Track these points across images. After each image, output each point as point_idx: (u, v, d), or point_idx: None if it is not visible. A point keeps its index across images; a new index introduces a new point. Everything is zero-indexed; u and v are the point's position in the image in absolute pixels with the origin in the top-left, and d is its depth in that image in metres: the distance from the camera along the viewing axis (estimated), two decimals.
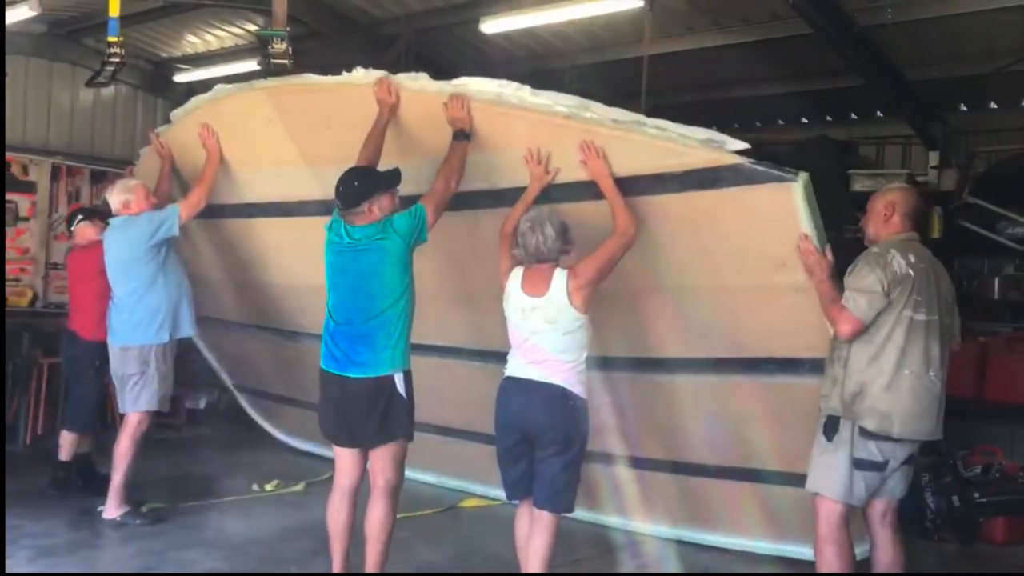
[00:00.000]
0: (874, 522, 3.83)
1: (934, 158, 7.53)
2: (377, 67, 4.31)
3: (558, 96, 3.93)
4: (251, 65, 8.06)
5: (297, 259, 5.47)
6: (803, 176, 3.60)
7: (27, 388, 7.05)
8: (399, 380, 3.86)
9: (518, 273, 3.87)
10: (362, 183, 3.85)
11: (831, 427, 3.68)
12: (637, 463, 4.90)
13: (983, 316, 6.99)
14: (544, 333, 3.74)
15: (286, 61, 5.88)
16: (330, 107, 4.53)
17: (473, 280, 4.63)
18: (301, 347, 6.17)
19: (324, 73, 4.54)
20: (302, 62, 6.08)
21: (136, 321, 5.08)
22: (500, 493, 4.13)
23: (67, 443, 5.60)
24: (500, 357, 4.00)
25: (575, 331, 3.75)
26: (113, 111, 9.50)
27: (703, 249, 3.97)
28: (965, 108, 7.77)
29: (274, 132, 4.78)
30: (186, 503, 5.52)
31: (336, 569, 3.99)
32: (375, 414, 3.83)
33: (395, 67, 4.41)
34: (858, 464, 3.63)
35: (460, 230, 4.34)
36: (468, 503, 5.82)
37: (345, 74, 4.39)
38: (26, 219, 8.50)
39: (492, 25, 7.24)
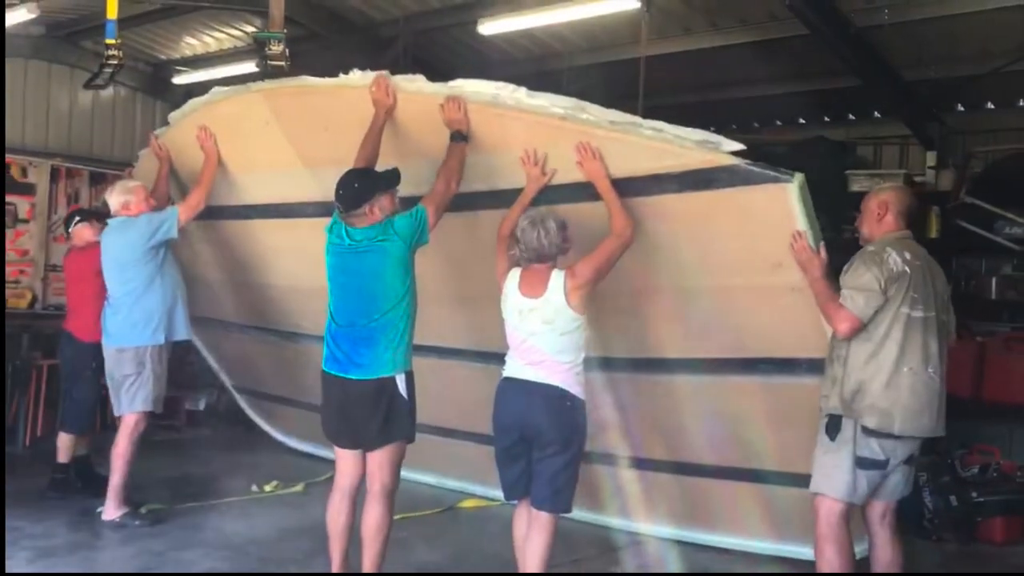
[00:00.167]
0: (873, 522, 3.84)
1: (931, 158, 7.54)
2: (375, 69, 4.31)
3: (554, 98, 3.95)
4: (250, 67, 8.04)
5: (296, 260, 5.49)
6: (798, 177, 3.62)
7: (26, 390, 7.06)
8: (401, 381, 3.87)
9: (515, 274, 3.88)
10: (362, 184, 3.86)
11: (833, 426, 3.68)
12: (636, 463, 4.91)
13: (981, 316, 7.00)
14: (542, 334, 3.76)
15: (283, 63, 5.91)
16: (327, 109, 4.53)
17: (472, 281, 4.64)
18: (300, 348, 6.18)
19: (321, 75, 4.54)
20: (300, 64, 6.10)
21: (132, 322, 5.09)
22: (499, 493, 4.13)
23: (65, 445, 5.61)
24: (499, 358, 4.01)
25: (573, 332, 3.76)
26: (112, 113, 9.52)
27: (700, 249, 3.98)
28: (962, 108, 7.78)
29: (271, 134, 4.79)
30: (186, 504, 5.53)
31: (335, 569, 3.99)
32: (377, 416, 3.84)
33: (393, 69, 4.41)
34: (860, 463, 3.64)
35: (459, 231, 4.35)
36: (467, 503, 5.83)
37: (342, 76, 4.40)
38: (25, 221, 8.52)
39: (490, 26, 7.26)
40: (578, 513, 4.32)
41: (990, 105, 7.71)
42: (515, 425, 3.82)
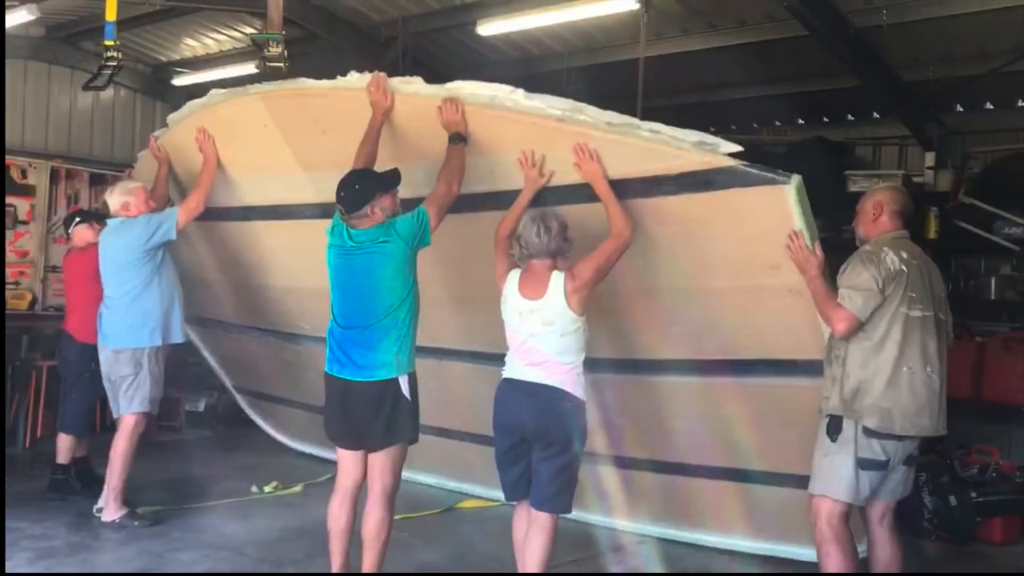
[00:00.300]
0: (872, 522, 3.85)
1: (930, 159, 7.53)
2: (374, 70, 4.31)
3: (552, 99, 3.95)
4: (250, 68, 8.07)
5: (294, 261, 5.50)
6: (796, 178, 3.62)
7: (26, 391, 7.07)
8: (404, 383, 3.87)
9: (515, 276, 3.89)
10: (363, 186, 3.85)
11: (834, 427, 3.69)
12: (635, 464, 4.92)
13: (980, 316, 6.99)
14: (542, 335, 3.76)
15: (282, 64, 5.91)
16: (325, 111, 4.54)
17: (471, 282, 4.65)
18: (300, 349, 6.19)
19: (320, 76, 4.55)
20: (299, 65, 6.11)
21: (129, 323, 5.09)
22: (498, 494, 4.14)
23: (65, 446, 5.62)
24: (499, 359, 4.02)
25: (573, 333, 3.77)
26: (112, 114, 9.54)
27: (697, 251, 3.98)
28: (961, 109, 7.77)
29: (270, 136, 4.80)
30: (185, 505, 5.54)
31: (335, 570, 3.99)
32: (381, 417, 3.84)
33: (392, 70, 4.41)
34: (862, 464, 3.65)
35: (458, 232, 4.36)
36: (466, 504, 5.84)
37: (339, 78, 4.40)
38: (25, 222, 8.53)
39: (489, 27, 7.27)
40: (578, 514, 4.32)
41: (989, 105, 7.70)
42: (515, 426, 3.82)
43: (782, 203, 3.65)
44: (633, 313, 4.38)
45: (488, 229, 4.08)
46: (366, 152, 4.12)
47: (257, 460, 6.91)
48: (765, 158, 4.08)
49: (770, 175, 3.64)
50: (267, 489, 6.04)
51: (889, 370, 3.61)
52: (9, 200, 8.34)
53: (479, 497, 5.85)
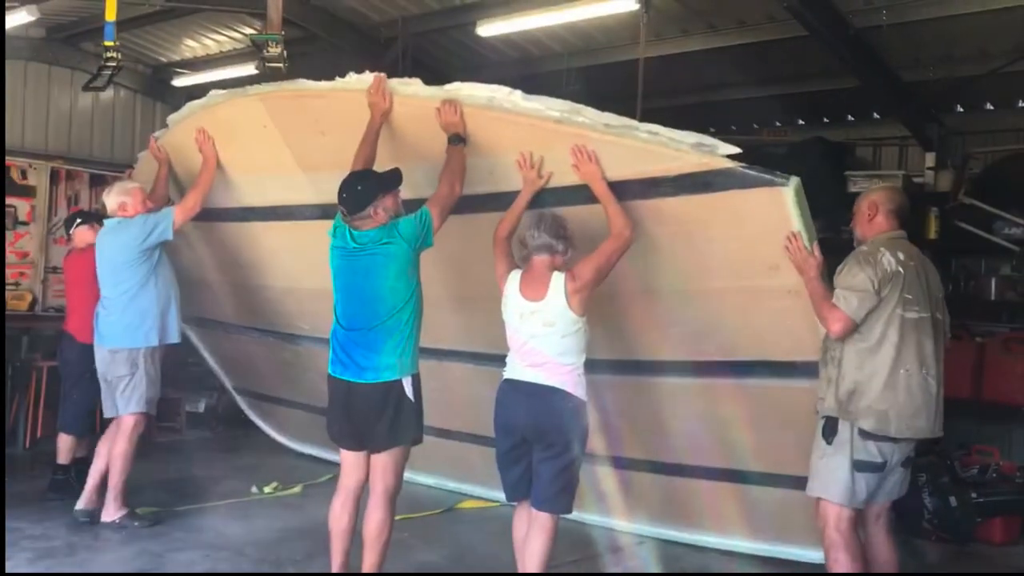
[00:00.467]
0: (868, 522, 3.85)
1: (930, 159, 7.53)
2: (374, 71, 4.31)
3: (550, 101, 3.95)
4: (250, 69, 8.08)
5: (294, 262, 5.50)
6: (794, 180, 3.62)
7: (26, 391, 7.08)
8: (408, 384, 3.87)
9: (516, 277, 3.89)
10: (365, 187, 3.85)
11: (830, 429, 3.69)
12: (634, 464, 4.92)
13: (980, 317, 6.99)
14: (543, 336, 3.77)
15: (281, 64, 5.92)
16: (323, 112, 4.54)
17: (471, 283, 4.65)
18: (300, 349, 6.20)
19: (320, 77, 4.55)
20: (299, 66, 6.11)
21: (125, 323, 5.09)
22: (498, 495, 4.15)
23: (65, 446, 5.63)
24: (499, 360, 4.02)
25: (574, 334, 3.78)
26: (112, 115, 9.54)
27: (696, 252, 3.98)
28: (961, 109, 7.77)
29: (269, 137, 4.80)
30: (185, 505, 5.54)
31: (336, 570, 3.99)
32: (384, 419, 3.84)
33: (392, 71, 4.41)
34: (858, 466, 3.64)
35: (458, 233, 4.36)
36: (466, 504, 5.84)
37: (338, 79, 4.40)
38: (25, 223, 8.53)
39: (488, 28, 7.27)
40: (578, 514, 4.32)
41: (989, 106, 7.70)
42: (516, 427, 3.83)
43: (780, 204, 3.65)
44: (632, 314, 4.38)
45: (488, 230, 4.08)
46: (365, 154, 4.12)
47: (257, 461, 6.92)
48: (765, 159, 4.09)
49: (768, 177, 3.64)
50: (267, 490, 6.05)
51: (886, 372, 3.61)
52: (9, 201, 8.34)
53: (479, 498, 5.86)
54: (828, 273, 3.75)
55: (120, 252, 5.10)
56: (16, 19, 7.41)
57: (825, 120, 8.49)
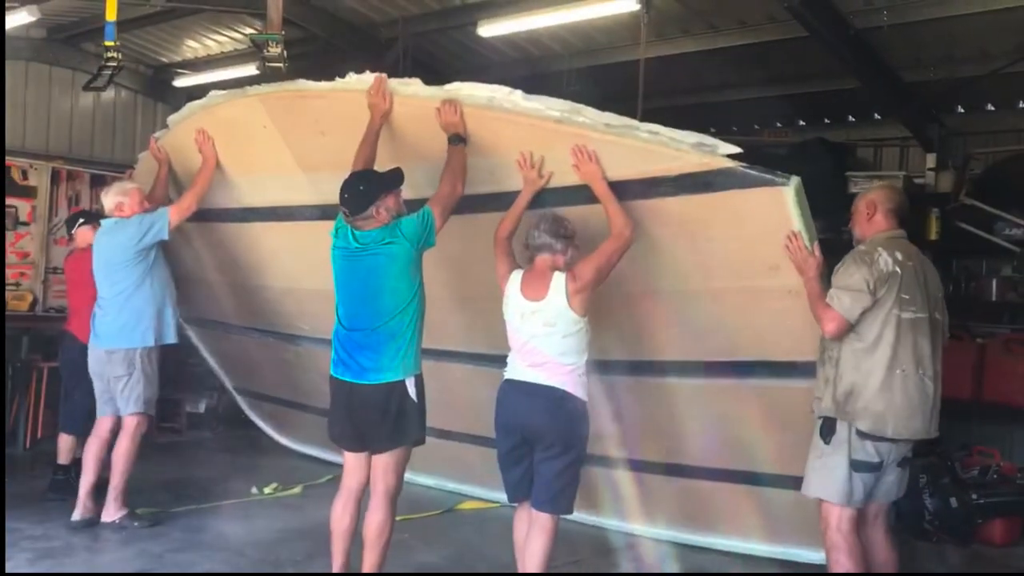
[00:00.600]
0: (866, 523, 3.83)
1: (931, 160, 7.53)
2: (375, 71, 4.31)
3: (550, 101, 3.94)
4: (250, 70, 8.08)
5: (294, 263, 5.50)
6: (795, 180, 3.61)
7: (27, 392, 7.08)
8: (410, 385, 3.86)
9: (517, 277, 3.89)
10: (367, 187, 3.84)
11: (827, 429, 3.68)
12: (633, 465, 4.92)
13: (981, 318, 6.99)
14: (543, 336, 3.77)
15: (281, 64, 5.92)
16: (323, 112, 4.54)
17: (472, 283, 4.65)
18: (300, 350, 6.20)
19: (321, 78, 4.55)
20: (300, 66, 6.11)
21: (121, 324, 5.09)
22: (499, 495, 4.14)
23: (66, 446, 5.63)
24: (500, 360, 4.02)
25: (574, 334, 3.77)
26: (113, 115, 9.55)
27: (696, 252, 3.98)
28: (962, 110, 7.78)
29: (269, 138, 4.80)
30: (185, 506, 5.54)
31: (336, 570, 3.99)
32: (387, 420, 3.83)
33: (392, 71, 4.41)
34: (855, 466, 3.63)
35: (459, 233, 4.36)
36: (467, 505, 5.84)
37: (338, 79, 4.40)
38: (26, 223, 8.53)
39: (489, 28, 7.27)
40: (577, 515, 4.32)
41: (990, 106, 7.71)
42: (517, 427, 3.83)
43: (781, 204, 3.65)
44: (632, 315, 4.38)
45: (488, 230, 4.08)
46: (365, 154, 4.11)
47: (257, 461, 6.91)
48: (766, 159, 4.08)
49: (769, 176, 3.64)
50: (267, 490, 6.05)
51: (882, 373, 3.60)
52: (10, 201, 8.34)
53: (479, 498, 5.86)
54: (828, 273, 3.75)
55: (116, 252, 5.10)
56: (17, 19, 7.42)
57: (826, 121, 8.50)
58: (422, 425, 3.94)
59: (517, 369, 3.86)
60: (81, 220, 5.90)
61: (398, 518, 4.03)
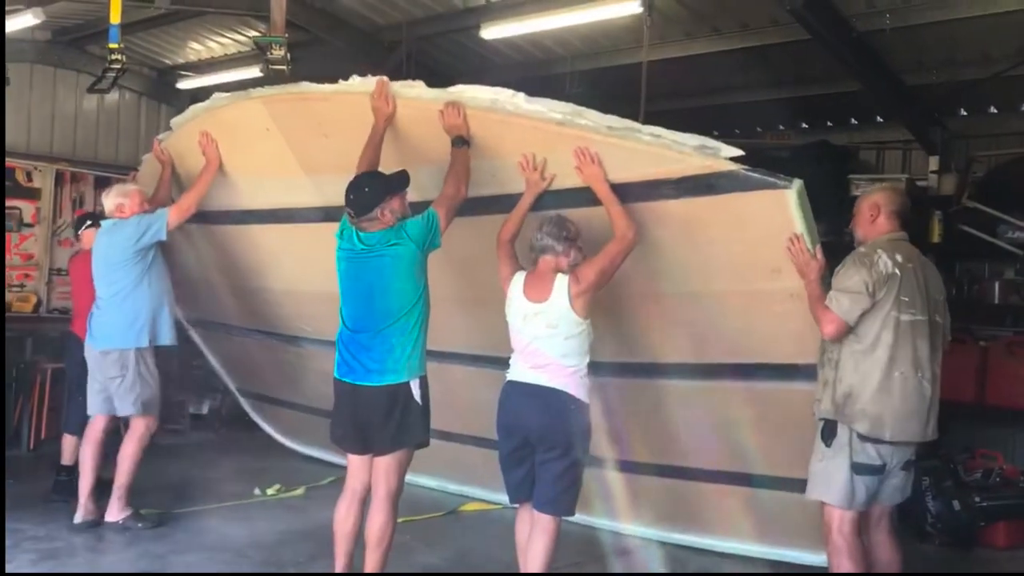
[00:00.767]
0: (870, 525, 3.84)
1: (934, 163, 7.53)
2: (378, 74, 4.32)
3: (552, 103, 3.95)
4: (254, 72, 8.11)
5: (296, 265, 5.51)
6: (797, 183, 3.62)
7: (30, 393, 7.09)
8: (415, 387, 3.87)
9: (520, 278, 3.90)
10: (372, 189, 3.85)
11: (828, 432, 3.68)
12: (633, 467, 4.92)
13: (984, 320, 6.98)
14: (546, 338, 3.78)
15: (284, 67, 5.93)
16: (326, 115, 4.54)
17: (474, 285, 4.66)
18: (302, 351, 6.21)
19: (324, 80, 4.56)
20: (303, 68, 6.11)
21: (116, 324, 5.10)
22: (500, 497, 4.15)
23: (69, 447, 5.64)
24: (502, 362, 4.03)
25: (577, 336, 3.78)
26: (117, 118, 9.57)
27: (698, 255, 3.98)
28: (964, 112, 7.78)
29: (272, 140, 4.80)
30: (188, 507, 5.55)
31: (338, 571, 4.00)
32: (391, 422, 3.84)
33: (396, 73, 4.42)
34: (857, 468, 3.63)
35: (461, 235, 4.36)
36: (469, 507, 5.84)
37: (341, 82, 4.41)
38: (30, 225, 8.55)
39: (492, 31, 7.27)
40: (579, 517, 4.32)
41: (992, 109, 7.70)
42: (519, 428, 3.84)
43: (783, 207, 3.65)
44: (635, 316, 4.38)
45: (491, 232, 4.09)
46: (368, 157, 4.12)
47: (260, 463, 6.92)
48: (768, 162, 4.08)
49: (771, 179, 3.64)
50: (269, 492, 6.06)
51: (880, 375, 3.60)
52: (15, 203, 8.36)
53: (481, 500, 5.86)
54: (829, 276, 3.75)
55: (114, 252, 5.11)
56: (21, 22, 7.43)
57: (828, 124, 8.50)
58: (426, 427, 3.94)
59: (519, 371, 3.87)
60: (88, 222, 5.91)
61: (400, 520, 4.03)
